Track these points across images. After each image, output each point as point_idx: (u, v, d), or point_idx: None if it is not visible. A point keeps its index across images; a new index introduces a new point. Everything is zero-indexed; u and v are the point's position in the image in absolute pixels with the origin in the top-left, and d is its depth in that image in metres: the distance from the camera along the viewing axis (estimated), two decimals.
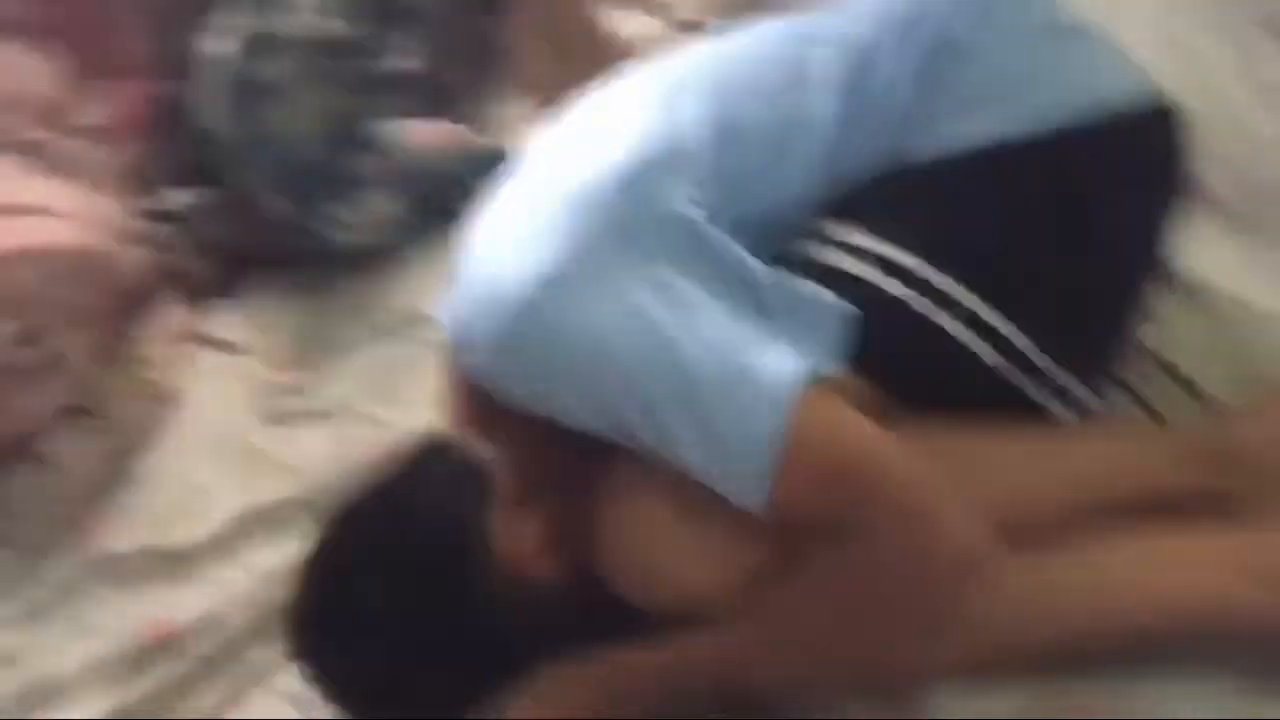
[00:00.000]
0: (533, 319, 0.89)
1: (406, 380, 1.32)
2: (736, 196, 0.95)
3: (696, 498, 0.88)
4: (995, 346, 0.93)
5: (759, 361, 0.87)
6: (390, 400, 1.31)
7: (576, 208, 0.92)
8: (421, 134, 1.48)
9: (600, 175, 0.93)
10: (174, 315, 1.39)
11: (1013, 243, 0.94)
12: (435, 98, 1.56)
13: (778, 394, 0.85)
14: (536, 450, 0.97)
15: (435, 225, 1.44)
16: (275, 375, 1.34)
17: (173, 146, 1.51)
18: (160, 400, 1.33)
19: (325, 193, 1.42)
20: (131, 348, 1.33)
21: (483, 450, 0.98)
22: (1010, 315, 0.92)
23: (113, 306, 1.31)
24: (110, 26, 1.52)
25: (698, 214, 0.92)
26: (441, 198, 1.45)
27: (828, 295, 0.91)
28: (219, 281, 1.45)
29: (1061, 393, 0.97)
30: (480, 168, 1.40)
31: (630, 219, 0.92)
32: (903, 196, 0.96)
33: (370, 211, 1.43)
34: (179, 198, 1.45)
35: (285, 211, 1.41)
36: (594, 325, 0.88)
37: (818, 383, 0.87)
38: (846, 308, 0.91)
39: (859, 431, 0.88)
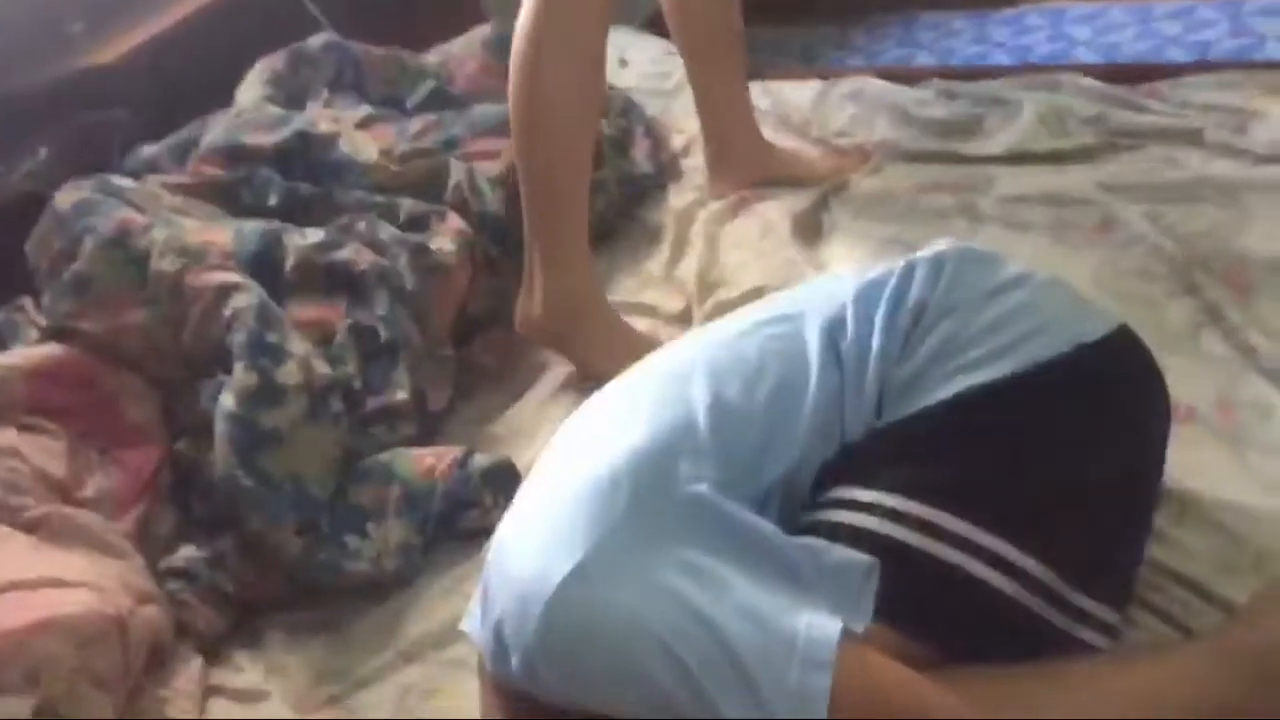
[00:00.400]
0: (563, 614, 0.91)
1: (437, 705, 1.30)
2: (746, 472, 1.00)
3: None
4: (1017, 580, 0.95)
5: (795, 625, 0.89)
6: None
7: (595, 499, 0.96)
8: (422, 459, 1.52)
9: (615, 466, 0.97)
10: (191, 669, 1.38)
11: (1018, 477, 0.98)
12: (422, 423, 1.62)
13: (819, 655, 0.88)
14: None
15: (447, 547, 1.47)
16: (300, 717, 1.32)
17: (182, 504, 1.55)
18: None
19: (334, 527, 1.45)
20: (150, 707, 1.31)
21: None
22: (1026, 548, 0.95)
23: (131, 667, 1.30)
24: (119, 398, 1.59)
25: (713, 492, 0.96)
26: (450, 519, 1.49)
27: (849, 553, 0.94)
28: (231, 629, 1.45)
29: (1085, 617, 0.98)
30: (485, 482, 1.48)
31: (648, 505, 0.95)
32: (903, 449, 1.01)
33: (381, 539, 1.45)
34: (190, 553, 1.47)
35: (296, 550, 1.43)
36: (625, 610, 0.90)
37: (853, 639, 0.90)
38: (869, 562, 0.94)
39: (899, 678, 0.89)
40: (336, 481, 1.48)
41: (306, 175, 1.82)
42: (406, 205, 1.81)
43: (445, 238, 1.75)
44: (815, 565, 0.94)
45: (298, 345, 1.52)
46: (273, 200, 1.78)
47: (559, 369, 1.69)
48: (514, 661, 0.96)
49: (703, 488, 0.96)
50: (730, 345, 1.08)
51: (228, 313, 1.53)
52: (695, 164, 1.99)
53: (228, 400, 1.46)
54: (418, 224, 1.78)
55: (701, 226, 1.86)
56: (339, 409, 1.52)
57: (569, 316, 1.57)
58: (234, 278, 1.56)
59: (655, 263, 1.85)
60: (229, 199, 1.79)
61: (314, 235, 1.69)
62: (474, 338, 1.79)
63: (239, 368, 1.48)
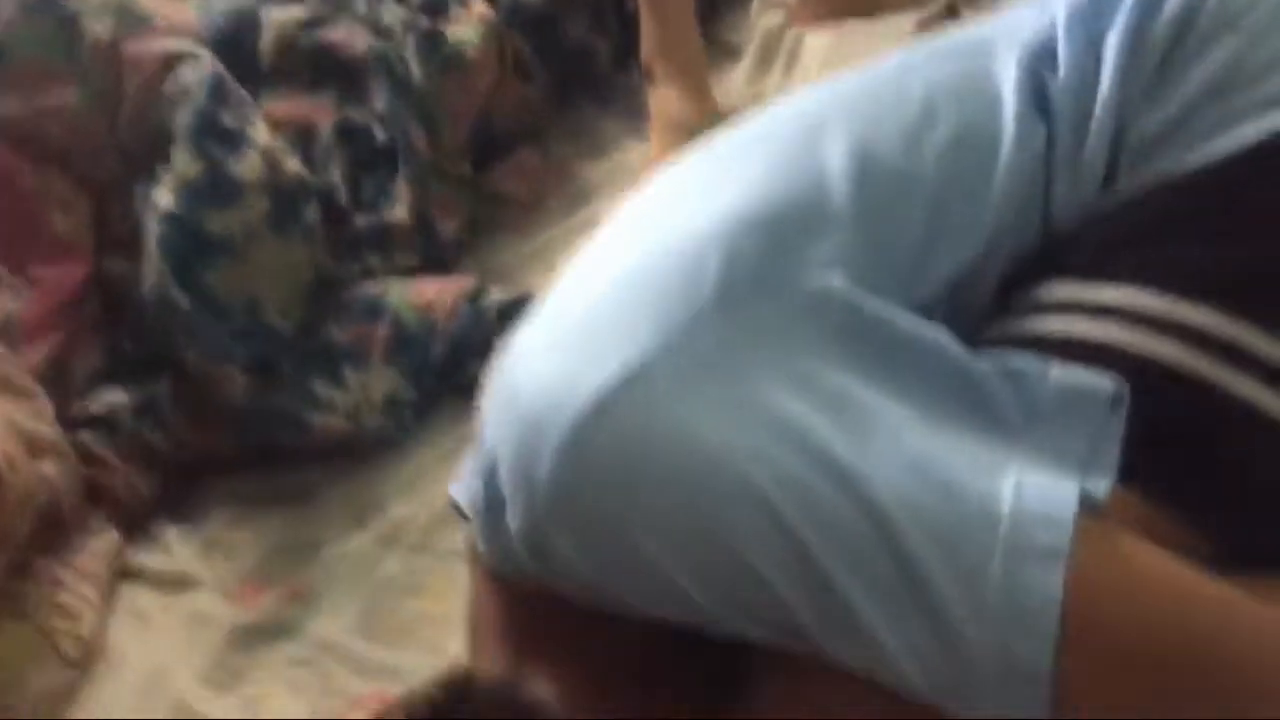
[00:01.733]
0: (599, 437, 0.56)
1: (415, 608, 1.01)
2: (906, 263, 0.63)
3: None
4: None
5: (995, 486, 0.53)
6: (394, 637, 0.99)
7: (667, 280, 0.59)
8: (421, 292, 1.19)
9: (701, 236, 0.61)
10: (100, 545, 1.05)
11: None
12: (427, 253, 1.28)
13: (1042, 536, 0.51)
14: (616, 680, 0.62)
15: (447, 404, 1.16)
16: (235, 612, 1.00)
17: (109, 338, 1.21)
18: (80, 662, 0.99)
19: (299, 369, 1.12)
20: (34, 590, 0.99)
21: (532, 693, 0.63)
22: None
23: (8, 533, 0.98)
24: (39, 200, 1.25)
25: (855, 286, 0.60)
26: (451, 369, 1.17)
27: (1079, 374, 0.57)
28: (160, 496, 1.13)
29: None
30: (499, 324, 1.15)
31: (752, 292, 0.59)
32: (1162, 225, 0.63)
33: (360, 389, 1.14)
34: (111, 397, 1.14)
35: (244, 394, 1.11)
36: (704, 436, 0.55)
37: (1094, 511, 0.53)
38: (1112, 388, 0.56)
39: (1182, 582, 0.53)
40: (306, 312, 1.16)
41: None
42: None
43: (467, 25, 1.39)
44: (1021, 394, 0.57)
45: (263, 134, 1.18)
46: None
47: (606, 199, 1.35)
48: (513, 523, 0.61)
49: (838, 278, 0.59)
50: (884, 83, 0.70)
51: (173, 88, 1.17)
52: None
53: (164, 197, 1.13)
54: (433, 9, 1.41)
55: (791, 43, 1.51)
56: (312, 220, 1.18)
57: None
58: (185, 45, 1.21)
59: (736, 79, 1.49)
60: None
61: (298, 10, 1.33)
62: (498, 159, 1.45)
63: (182, 156, 1.15)
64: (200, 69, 1.19)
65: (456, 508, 0.71)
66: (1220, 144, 0.63)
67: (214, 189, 1.13)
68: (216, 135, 1.15)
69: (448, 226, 1.33)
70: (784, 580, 0.54)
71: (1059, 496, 0.53)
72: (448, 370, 1.17)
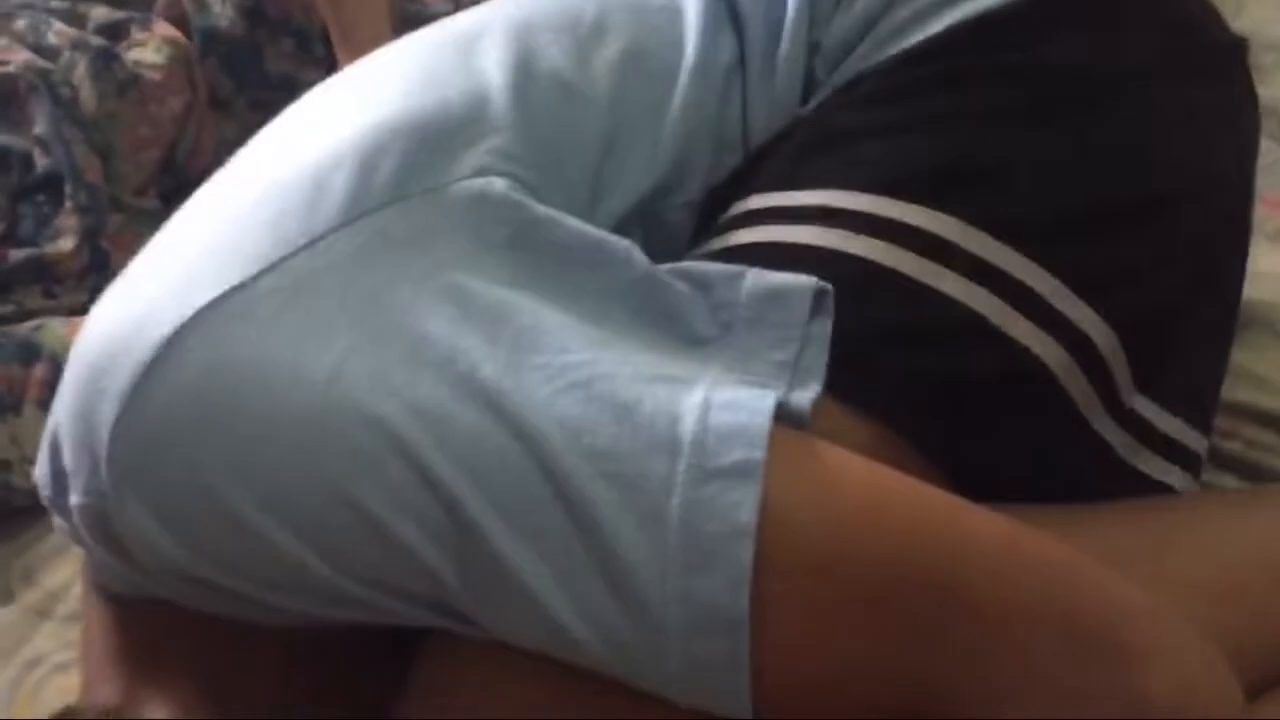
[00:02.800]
0: (180, 362, 0.45)
1: (69, 686, 0.78)
2: (578, 185, 0.54)
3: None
4: (1056, 335, 0.52)
5: (680, 401, 0.44)
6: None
7: (290, 201, 0.49)
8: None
9: (336, 151, 0.51)
10: None
11: (1049, 159, 0.55)
12: (103, 288, 1.12)
13: (732, 454, 0.42)
14: (247, 699, 0.49)
15: None
16: None
17: None
18: None
19: None
20: None
21: None
22: (1060, 273, 0.52)
23: None
24: None
25: (522, 192, 0.50)
26: None
27: (771, 276, 0.49)
28: None
29: (1155, 435, 0.56)
30: None
31: (389, 204, 0.49)
32: (858, 127, 0.56)
33: (7, 442, 0.98)
34: None
35: None
36: (309, 363, 0.44)
37: (794, 423, 0.44)
38: (812, 285, 0.48)
39: (891, 485, 0.44)
40: None
41: None
42: (99, 14, 1.30)
43: (149, 48, 1.25)
44: (713, 303, 0.49)
45: None
46: None
47: None
48: (75, 498, 0.48)
49: (498, 183, 0.50)
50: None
51: None
52: None
53: None
54: (111, 30, 1.28)
55: None
56: None
57: None
58: None
59: None
60: None
61: None
62: (193, 192, 1.29)
63: None
64: None
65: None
66: (910, 37, 0.57)
67: None
68: None
69: (126, 262, 1.17)
70: (423, 537, 0.43)
71: (752, 408, 0.44)
72: None
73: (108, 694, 0.52)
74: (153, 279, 0.49)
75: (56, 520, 0.53)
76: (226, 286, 0.45)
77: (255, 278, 0.46)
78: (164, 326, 0.45)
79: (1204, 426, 0.59)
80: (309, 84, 1.37)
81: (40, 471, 0.52)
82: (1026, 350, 0.52)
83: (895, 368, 0.51)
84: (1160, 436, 0.57)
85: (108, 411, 0.45)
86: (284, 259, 0.46)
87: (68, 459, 0.48)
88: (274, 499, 0.43)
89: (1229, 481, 0.70)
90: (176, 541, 0.46)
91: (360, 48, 1.24)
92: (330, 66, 1.38)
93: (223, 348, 0.44)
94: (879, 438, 0.49)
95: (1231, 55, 0.61)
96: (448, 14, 0.83)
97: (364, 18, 1.23)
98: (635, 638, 0.42)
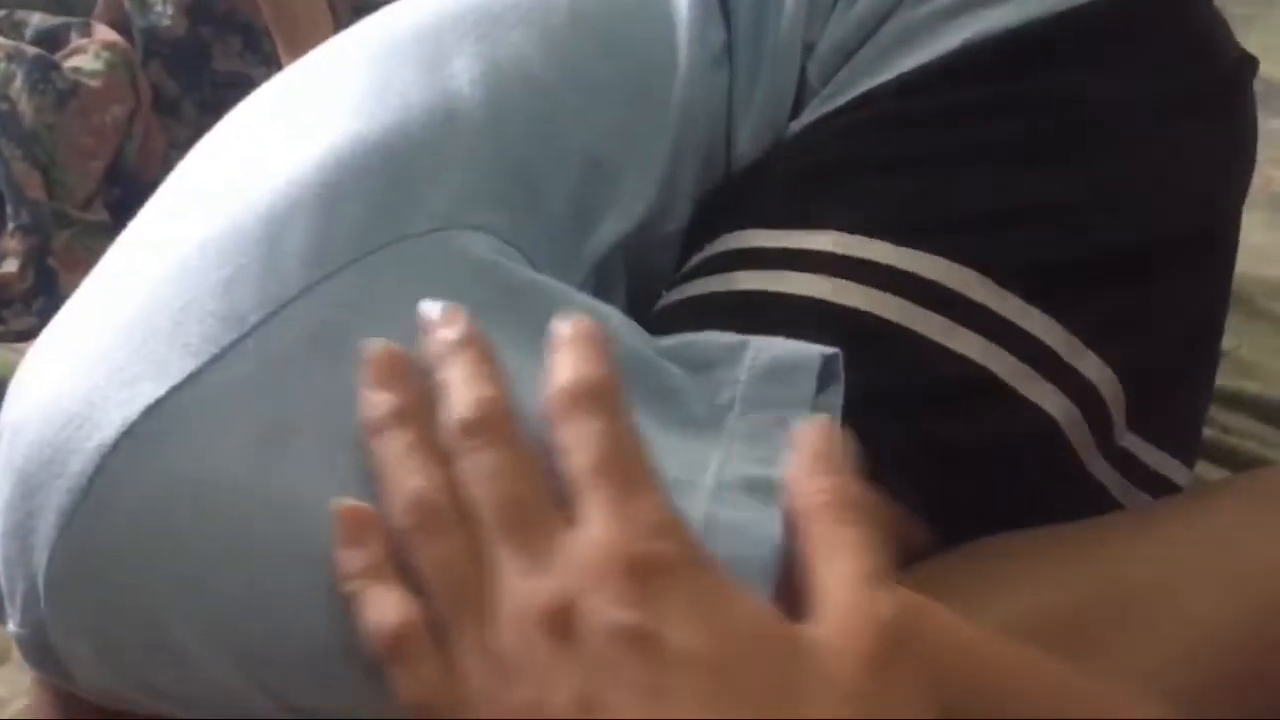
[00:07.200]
0: (122, 474, 0.41)
1: None
2: (559, 218, 0.50)
3: None
4: (1066, 389, 0.49)
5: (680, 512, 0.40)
6: None
7: (240, 260, 0.45)
8: None
9: (289, 196, 0.46)
10: None
11: (1042, 197, 0.52)
12: (50, 312, 1.08)
13: (745, 547, 0.39)
14: None
15: None
16: None
17: None
18: None
19: None
20: None
21: None
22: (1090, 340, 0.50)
23: None
24: None
25: (493, 241, 0.46)
26: None
27: (777, 344, 0.45)
28: None
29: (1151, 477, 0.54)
30: None
31: (358, 265, 0.45)
32: (855, 157, 0.52)
33: None
34: None
35: None
36: (268, 475, 0.41)
37: None
38: (821, 355, 0.44)
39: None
40: None
41: None
42: (36, 20, 1.25)
43: (88, 55, 1.20)
44: (712, 379, 0.45)
45: None
46: None
47: None
48: (12, 624, 0.44)
49: (470, 232, 0.46)
50: None
51: None
52: None
53: None
54: (49, 38, 1.23)
55: None
56: None
57: None
58: None
59: None
60: None
61: None
62: (143, 202, 1.25)
63: None
64: None
65: None
66: (913, 57, 0.53)
67: None
68: None
69: (75, 281, 1.13)
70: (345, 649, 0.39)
71: (756, 536, 0.39)
72: None
73: None
74: (91, 355, 0.44)
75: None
76: (179, 377, 0.41)
77: (208, 364, 0.41)
78: (106, 431, 0.41)
79: (1189, 461, 0.56)
80: (259, 82, 1.36)
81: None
82: (1037, 407, 0.49)
83: (896, 432, 0.47)
84: (1149, 473, 0.54)
85: (44, 532, 0.41)
86: (237, 342, 0.42)
87: (2, 580, 0.44)
88: (221, 631, 0.40)
89: (1207, 470, 0.67)
90: (117, 675, 0.42)
91: (304, 41, 1.21)
92: (279, 63, 1.34)
93: (170, 457, 0.40)
94: (884, 506, 0.45)
95: (1240, 77, 0.57)
96: None
97: (303, 9, 1.19)
98: None
